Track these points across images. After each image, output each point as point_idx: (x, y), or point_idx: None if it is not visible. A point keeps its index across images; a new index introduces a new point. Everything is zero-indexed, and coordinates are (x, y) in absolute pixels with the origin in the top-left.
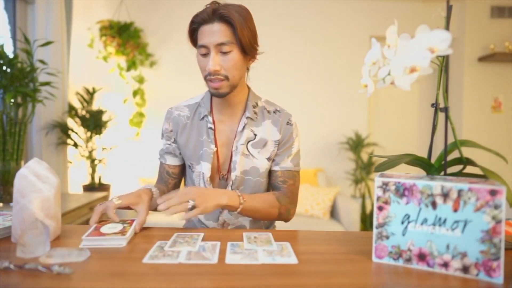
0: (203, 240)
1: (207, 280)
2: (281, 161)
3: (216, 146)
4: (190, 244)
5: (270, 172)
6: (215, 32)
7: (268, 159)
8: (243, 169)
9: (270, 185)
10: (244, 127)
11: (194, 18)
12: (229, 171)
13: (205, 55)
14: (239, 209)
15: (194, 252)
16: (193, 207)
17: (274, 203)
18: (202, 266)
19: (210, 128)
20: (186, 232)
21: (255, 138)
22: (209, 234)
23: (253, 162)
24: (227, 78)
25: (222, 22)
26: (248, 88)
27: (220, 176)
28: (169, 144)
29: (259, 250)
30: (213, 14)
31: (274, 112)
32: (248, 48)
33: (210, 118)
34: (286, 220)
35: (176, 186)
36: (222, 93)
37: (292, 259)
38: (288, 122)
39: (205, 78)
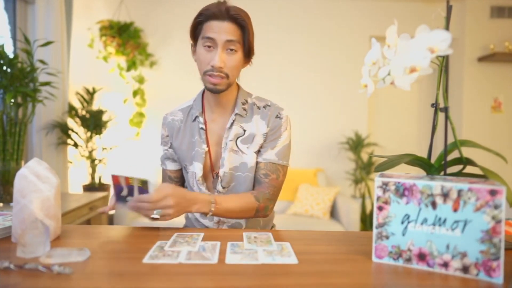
0: (203, 240)
1: (207, 280)
2: (265, 152)
3: (208, 145)
4: (190, 244)
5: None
6: (226, 30)
7: (256, 152)
8: (233, 165)
9: (254, 179)
10: (232, 124)
11: (204, 11)
12: None
13: (209, 48)
14: (209, 214)
15: (194, 252)
16: (156, 219)
17: (251, 203)
18: (202, 266)
19: (202, 128)
20: (186, 232)
21: (244, 133)
22: (209, 234)
23: (243, 158)
24: (227, 76)
25: (233, 23)
26: (238, 86)
27: (214, 174)
28: (167, 150)
29: (259, 250)
30: (227, 13)
31: (264, 107)
32: (250, 52)
33: (201, 119)
34: (264, 217)
35: None
36: (220, 90)
37: (292, 259)
38: (277, 115)
39: (204, 72)
